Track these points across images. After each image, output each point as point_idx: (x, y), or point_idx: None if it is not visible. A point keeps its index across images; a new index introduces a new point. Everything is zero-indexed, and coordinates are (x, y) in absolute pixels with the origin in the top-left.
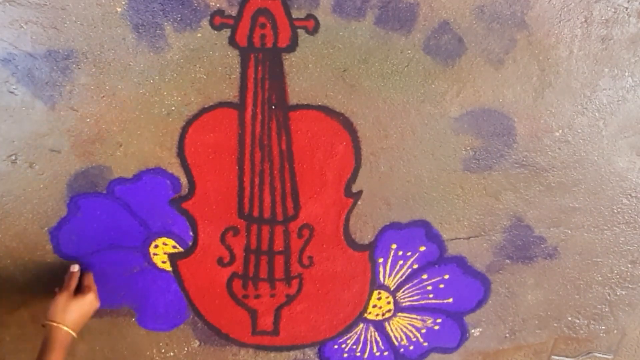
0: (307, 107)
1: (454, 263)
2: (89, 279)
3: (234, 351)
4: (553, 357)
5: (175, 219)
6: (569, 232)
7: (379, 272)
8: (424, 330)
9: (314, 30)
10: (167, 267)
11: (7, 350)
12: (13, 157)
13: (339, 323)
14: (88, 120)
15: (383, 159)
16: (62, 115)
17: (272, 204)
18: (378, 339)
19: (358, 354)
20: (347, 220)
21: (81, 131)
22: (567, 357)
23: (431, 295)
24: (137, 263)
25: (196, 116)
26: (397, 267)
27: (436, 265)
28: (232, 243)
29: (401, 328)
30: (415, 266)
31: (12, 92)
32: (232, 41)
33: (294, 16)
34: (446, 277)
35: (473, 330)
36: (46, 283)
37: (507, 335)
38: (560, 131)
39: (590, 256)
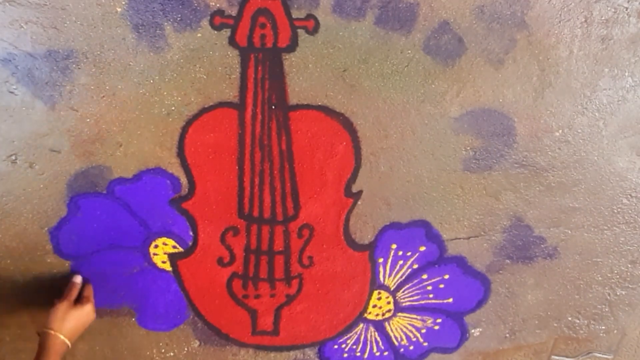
0: (307, 107)
1: (454, 263)
2: (89, 291)
3: (234, 351)
4: (553, 357)
5: (175, 219)
6: (569, 232)
7: (379, 272)
8: (424, 330)
9: (314, 30)
10: (167, 267)
11: (7, 350)
12: (13, 157)
13: (339, 323)
14: (88, 120)
15: (383, 159)
16: (62, 115)
17: (272, 204)
18: (378, 339)
19: (358, 354)
20: (347, 220)
21: (81, 131)
22: (567, 357)
23: (431, 295)
24: (137, 263)
25: (196, 116)
26: (397, 267)
27: (436, 265)
28: (232, 243)
29: (401, 328)
30: (415, 266)
31: (12, 92)
32: (232, 41)
33: (294, 16)
34: (446, 277)
35: (473, 330)
36: (46, 283)
37: (507, 335)
38: (560, 131)
39: (590, 256)
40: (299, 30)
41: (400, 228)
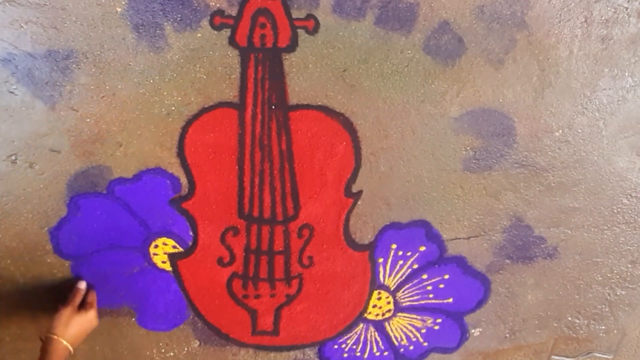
0: (307, 107)
1: (454, 263)
2: (92, 297)
3: (234, 351)
4: (553, 357)
5: (175, 219)
6: (569, 232)
7: (379, 272)
8: (424, 330)
9: (314, 30)
10: (167, 267)
11: (7, 350)
12: (13, 157)
13: (339, 323)
14: (88, 120)
15: (383, 159)
16: (62, 115)
17: (272, 204)
18: (378, 339)
19: (358, 354)
20: (347, 220)
21: (81, 131)
22: (567, 357)
23: (431, 295)
24: (137, 263)
25: (196, 116)
26: (397, 267)
27: (436, 265)
28: (232, 243)
29: (401, 328)
30: (415, 266)
31: (12, 92)
32: (232, 41)
33: (294, 16)
34: (446, 277)
35: (473, 330)
36: (46, 284)
37: (507, 335)
38: (560, 131)
39: (590, 256)
40: (299, 30)
41: (400, 228)
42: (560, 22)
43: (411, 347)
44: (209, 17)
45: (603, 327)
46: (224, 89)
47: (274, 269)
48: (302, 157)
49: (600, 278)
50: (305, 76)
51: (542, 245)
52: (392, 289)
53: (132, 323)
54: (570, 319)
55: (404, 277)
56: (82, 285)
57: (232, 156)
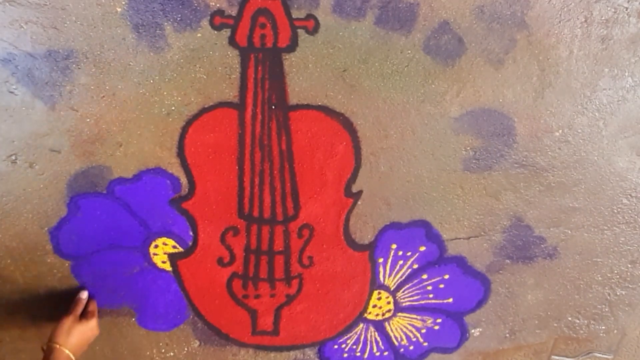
0: (307, 107)
1: (454, 263)
2: (93, 306)
3: (234, 351)
4: (553, 357)
5: (175, 219)
6: (569, 232)
7: (379, 272)
8: (424, 330)
9: (314, 30)
10: (167, 267)
11: (7, 350)
12: (13, 157)
13: (339, 323)
14: (88, 120)
15: (383, 159)
16: (62, 115)
17: (272, 204)
18: (378, 339)
19: (358, 354)
20: (347, 220)
21: (81, 131)
22: (567, 357)
23: (431, 295)
24: (137, 263)
25: (196, 116)
26: (397, 267)
27: (436, 265)
28: (232, 243)
29: (401, 328)
30: (415, 266)
31: (12, 92)
32: (232, 41)
33: (294, 16)
34: (446, 277)
35: (473, 330)
36: (46, 284)
37: (507, 335)
38: (560, 131)
39: (590, 256)
40: (299, 30)
41: (400, 228)
42: (560, 22)
43: (411, 347)
44: (209, 17)
45: (603, 327)
46: (224, 89)
47: (274, 269)
48: (302, 157)
49: (600, 278)
50: (305, 76)
51: (542, 245)
52: (392, 289)
53: (132, 323)
54: (570, 319)
55: (404, 277)
56: (84, 295)
57: (232, 156)
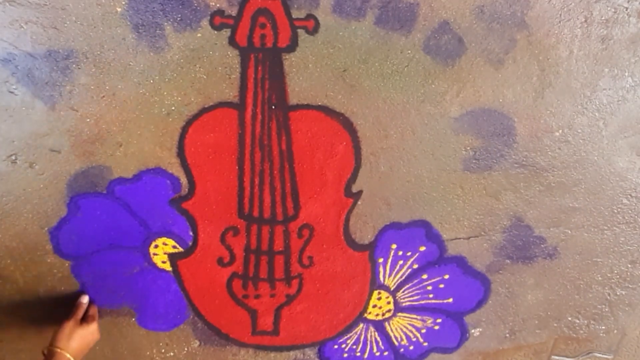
0: (307, 107)
1: (454, 263)
2: (94, 310)
3: (234, 351)
4: (553, 357)
5: (175, 219)
6: (569, 232)
7: (379, 272)
8: (424, 330)
9: (314, 30)
10: (167, 267)
11: (6, 350)
12: (13, 157)
13: (339, 323)
14: (88, 120)
15: (383, 159)
16: (62, 115)
17: (272, 204)
18: (378, 339)
19: (358, 354)
20: (347, 220)
21: (81, 131)
22: (567, 357)
23: (431, 295)
24: (137, 263)
25: (196, 116)
26: (397, 267)
27: (436, 265)
28: (232, 243)
29: (401, 328)
30: (415, 266)
31: (12, 92)
32: (232, 41)
33: (294, 16)
34: (446, 277)
35: (473, 330)
36: (46, 284)
37: (507, 335)
38: (560, 131)
39: (590, 256)
40: (299, 30)
41: (400, 228)
42: (560, 22)
43: (411, 347)
44: (209, 17)
45: (603, 327)
46: (224, 89)
47: (274, 269)
48: (302, 157)
49: (600, 278)
50: (305, 76)
51: (542, 245)
52: (392, 289)
53: (132, 323)
54: (570, 319)
55: (404, 277)
56: (85, 299)
57: (232, 156)
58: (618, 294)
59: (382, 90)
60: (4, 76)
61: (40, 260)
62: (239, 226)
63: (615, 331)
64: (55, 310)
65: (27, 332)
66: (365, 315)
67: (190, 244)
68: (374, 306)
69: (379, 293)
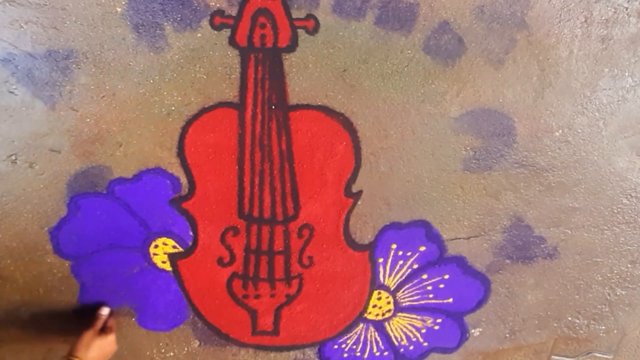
0: (307, 107)
1: (454, 263)
2: (113, 321)
3: (234, 351)
4: (553, 357)
5: (175, 219)
6: (569, 232)
7: (379, 272)
8: (424, 330)
9: (314, 30)
10: (167, 267)
11: (7, 350)
12: (13, 157)
13: (339, 323)
14: (88, 120)
15: (383, 159)
16: (62, 115)
17: (272, 204)
18: (378, 339)
19: (358, 354)
20: (347, 220)
21: (81, 131)
22: (567, 357)
23: (431, 295)
24: (137, 263)
25: (196, 116)
26: (397, 267)
27: (436, 265)
28: (232, 243)
29: (401, 328)
30: (415, 266)
31: (12, 92)
32: (232, 41)
33: (294, 16)
34: (446, 277)
35: (473, 330)
36: (46, 284)
37: (507, 335)
38: (560, 131)
39: (590, 256)
40: (299, 30)
41: (400, 228)
42: (560, 22)
43: (411, 347)
44: (209, 17)
45: (603, 327)
46: (224, 89)
47: (274, 269)
48: (302, 157)
49: (600, 278)
50: (305, 76)
51: (542, 245)
52: (392, 289)
53: (132, 323)
54: (570, 319)
55: (404, 277)
56: (105, 311)
57: (232, 156)
58: (618, 294)
59: (382, 90)
60: (4, 76)
61: (40, 260)
62: (239, 226)
63: (615, 331)
64: (56, 310)
65: (27, 332)
66: (365, 315)
67: (190, 244)
68: (374, 306)
69: (379, 293)
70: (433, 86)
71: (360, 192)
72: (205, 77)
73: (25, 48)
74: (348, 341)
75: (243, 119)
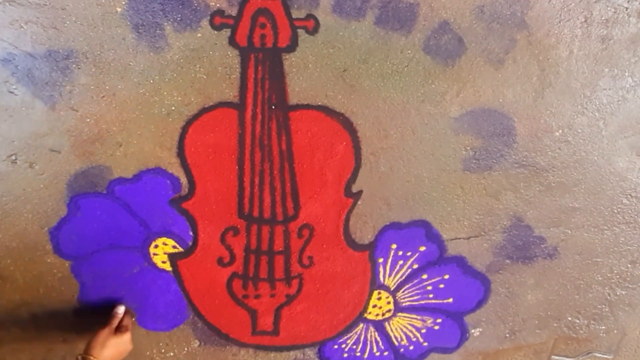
0: (307, 107)
1: (454, 263)
2: (128, 320)
3: (234, 351)
4: (553, 357)
5: (175, 219)
6: (569, 232)
7: (379, 272)
8: (424, 330)
9: (314, 30)
10: (167, 267)
11: (7, 350)
12: (13, 157)
13: (339, 323)
14: (88, 120)
15: (383, 159)
16: (62, 115)
17: (272, 204)
18: (378, 339)
19: (358, 354)
20: (347, 220)
21: (81, 131)
22: (567, 357)
23: (431, 295)
24: (137, 263)
25: (196, 116)
26: (397, 267)
27: (436, 265)
28: (232, 243)
29: (401, 328)
30: (415, 266)
31: (12, 92)
32: (232, 41)
33: (294, 16)
34: (446, 277)
35: (473, 330)
36: (46, 284)
37: (507, 335)
38: (560, 131)
39: (590, 256)
40: (299, 30)
41: (400, 228)
42: (560, 22)
43: (411, 347)
44: (209, 17)
45: (603, 327)
46: (224, 89)
47: (274, 269)
48: (302, 157)
49: (600, 278)
50: (305, 76)
51: (542, 245)
52: (392, 289)
53: (132, 323)
54: (570, 319)
55: (404, 277)
56: (121, 309)
57: (232, 156)
58: (618, 294)
59: (382, 90)
60: (4, 76)
61: (40, 260)
62: (239, 226)
63: (615, 331)
64: (56, 310)
65: (27, 332)
66: (365, 315)
67: (190, 244)
68: (374, 306)
69: (379, 293)
70: (433, 86)
71: (360, 192)
72: (205, 77)
73: (25, 48)
74: (348, 341)
75: (243, 119)
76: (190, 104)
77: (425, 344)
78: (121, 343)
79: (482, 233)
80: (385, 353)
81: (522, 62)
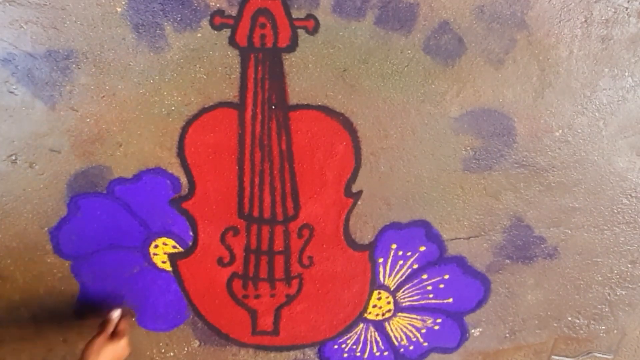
0: (307, 107)
1: (454, 263)
2: (124, 325)
3: (234, 351)
4: (553, 357)
5: (175, 219)
6: (569, 232)
7: (379, 272)
8: (424, 330)
9: (314, 30)
10: (167, 267)
11: (7, 350)
12: (13, 157)
13: (339, 323)
14: (88, 120)
15: (383, 159)
16: (62, 115)
17: (272, 204)
18: (378, 339)
19: (358, 354)
20: (347, 220)
21: (81, 131)
22: (567, 357)
23: (431, 295)
24: (137, 263)
25: (196, 116)
26: (397, 267)
27: (436, 265)
28: (232, 243)
29: (401, 328)
30: (415, 266)
31: (12, 92)
32: (232, 41)
33: (294, 16)
34: (446, 277)
35: (473, 330)
36: (46, 284)
37: (507, 335)
38: (560, 131)
39: (590, 256)
40: (299, 30)
41: (400, 228)
42: (560, 22)
43: (411, 347)
44: (209, 17)
45: (603, 327)
46: (224, 89)
47: (274, 269)
48: (302, 157)
49: (600, 278)
50: (305, 76)
51: (542, 245)
52: (392, 289)
53: (132, 323)
54: (570, 319)
55: (404, 277)
56: (116, 314)
57: (232, 156)
58: (618, 294)
59: (382, 90)
60: (4, 76)
61: (40, 260)
62: (239, 226)
63: (615, 331)
64: (56, 310)
65: (27, 332)
66: (365, 315)
67: (190, 244)
68: (374, 306)
69: (379, 293)
70: (433, 86)
71: (360, 192)
72: (205, 77)
73: (25, 48)
74: (348, 341)
75: (243, 119)
76: (190, 104)
77: (425, 344)
78: (117, 349)
79: (482, 233)
80: (385, 353)
81: (522, 62)
